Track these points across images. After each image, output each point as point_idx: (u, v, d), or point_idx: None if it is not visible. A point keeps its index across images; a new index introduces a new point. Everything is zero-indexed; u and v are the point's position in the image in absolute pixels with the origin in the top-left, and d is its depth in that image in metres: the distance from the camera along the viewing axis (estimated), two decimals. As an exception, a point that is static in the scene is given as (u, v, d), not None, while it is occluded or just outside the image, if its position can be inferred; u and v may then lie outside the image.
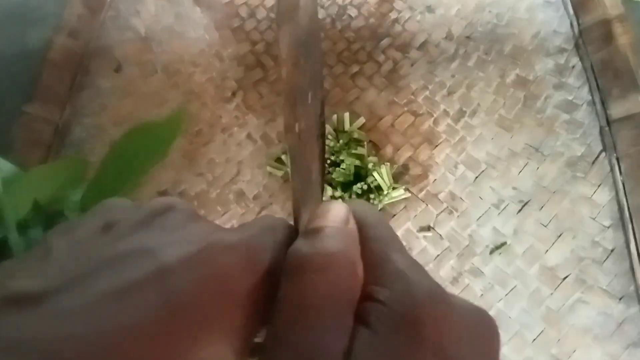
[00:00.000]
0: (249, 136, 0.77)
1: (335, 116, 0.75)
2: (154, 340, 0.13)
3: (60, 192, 0.41)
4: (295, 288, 0.14)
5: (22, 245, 0.37)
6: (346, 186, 0.68)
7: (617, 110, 0.65)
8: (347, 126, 0.74)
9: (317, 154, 0.39)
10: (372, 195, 0.67)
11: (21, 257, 0.16)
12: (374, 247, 0.16)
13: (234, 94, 0.80)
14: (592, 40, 0.70)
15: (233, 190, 0.73)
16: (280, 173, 0.73)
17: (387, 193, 0.68)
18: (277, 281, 0.16)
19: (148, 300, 0.13)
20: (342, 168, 0.67)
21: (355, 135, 0.72)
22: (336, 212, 0.17)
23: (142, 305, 0.13)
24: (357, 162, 0.68)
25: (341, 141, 0.72)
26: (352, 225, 0.17)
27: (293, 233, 0.19)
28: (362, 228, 0.17)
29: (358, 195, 0.66)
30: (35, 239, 0.39)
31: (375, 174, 0.67)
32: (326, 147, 0.71)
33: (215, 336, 0.14)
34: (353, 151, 0.70)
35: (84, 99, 0.76)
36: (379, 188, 0.67)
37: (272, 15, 0.87)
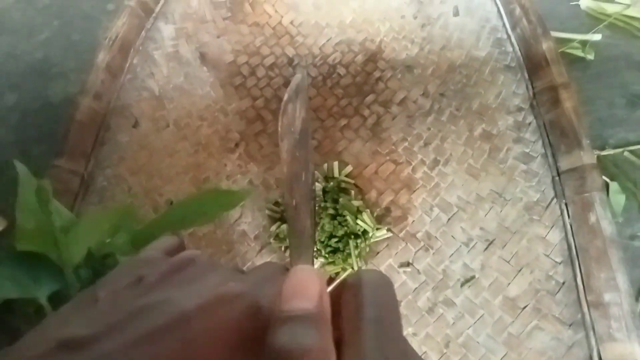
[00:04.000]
0: (250, 182, 0.86)
1: (325, 165, 0.84)
2: None
3: (109, 236, 0.49)
4: None
5: (77, 287, 0.46)
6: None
7: (564, 163, 0.75)
8: (336, 173, 0.84)
9: (310, 215, 0.51)
10: (359, 240, 0.76)
11: (72, 304, 0.18)
12: (370, 332, 0.17)
13: (237, 144, 0.90)
14: (543, 102, 0.80)
15: (236, 231, 0.82)
16: (277, 215, 0.82)
17: (372, 234, 0.78)
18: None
19: (171, 342, 0.15)
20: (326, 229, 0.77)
21: (343, 185, 0.82)
22: (311, 289, 0.18)
23: (167, 346, 0.15)
24: (338, 226, 0.77)
25: (331, 183, 0.81)
26: (325, 302, 0.18)
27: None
28: (361, 307, 0.18)
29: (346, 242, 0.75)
30: (87, 279, 0.47)
31: (359, 221, 0.77)
32: (318, 191, 0.81)
33: None
34: (331, 210, 0.78)
35: (105, 152, 0.86)
36: (365, 232, 0.77)
37: (271, 73, 0.98)
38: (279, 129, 0.40)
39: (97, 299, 0.17)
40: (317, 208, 0.77)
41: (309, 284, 0.18)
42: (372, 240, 0.77)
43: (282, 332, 0.16)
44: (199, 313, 0.16)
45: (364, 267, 0.77)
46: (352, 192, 0.82)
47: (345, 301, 0.19)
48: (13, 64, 1.10)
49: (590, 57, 0.95)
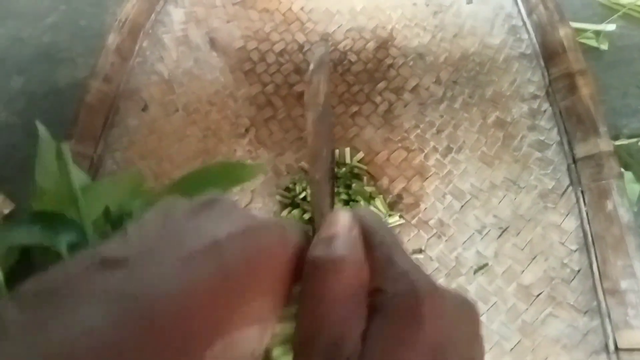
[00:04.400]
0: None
1: (337, 151, 0.84)
2: (213, 297, 0.15)
3: (123, 200, 0.49)
4: (317, 286, 0.17)
5: (97, 239, 0.45)
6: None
7: (580, 150, 0.75)
8: (347, 160, 0.84)
9: (329, 193, 0.51)
10: None
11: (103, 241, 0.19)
12: (380, 252, 0.19)
13: (247, 130, 0.89)
14: (559, 90, 0.79)
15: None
16: (288, 201, 0.81)
17: (385, 221, 0.77)
18: (302, 259, 0.19)
19: (207, 266, 0.15)
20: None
21: (356, 170, 0.82)
22: (343, 221, 0.20)
23: (203, 270, 0.15)
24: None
25: (343, 169, 0.80)
26: (356, 231, 0.20)
27: (309, 234, 0.22)
28: (368, 234, 0.20)
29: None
30: (105, 233, 0.46)
31: (371, 207, 0.76)
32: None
33: (257, 295, 0.17)
34: (344, 196, 0.78)
35: (114, 135, 0.85)
36: None
37: (281, 59, 0.97)
38: (305, 99, 0.40)
39: (125, 233, 0.18)
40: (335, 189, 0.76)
41: (342, 217, 0.20)
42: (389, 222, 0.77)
43: (317, 247, 0.18)
44: (231, 240, 0.17)
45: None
46: (365, 178, 0.81)
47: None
48: (20, 48, 1.09)
49: (604, 47, 0.94)
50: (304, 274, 0.18)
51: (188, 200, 0.21)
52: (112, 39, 0.85)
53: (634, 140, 0.84)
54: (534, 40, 0.86)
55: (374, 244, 0.19)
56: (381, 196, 0.79)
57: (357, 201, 0.75)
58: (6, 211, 0.83)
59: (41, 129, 0.46)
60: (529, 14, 0.88)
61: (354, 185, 0.78)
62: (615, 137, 0.83)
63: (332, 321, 0.16)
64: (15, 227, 0.43)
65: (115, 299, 0.14)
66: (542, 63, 0.84)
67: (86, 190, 0.45)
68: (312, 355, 0.16)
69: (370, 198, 0.78)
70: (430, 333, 0.16)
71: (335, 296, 0.17)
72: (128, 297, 0.14)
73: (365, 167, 0.83)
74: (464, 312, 0.19)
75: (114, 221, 0.47)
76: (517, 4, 0.91)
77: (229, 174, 0.52)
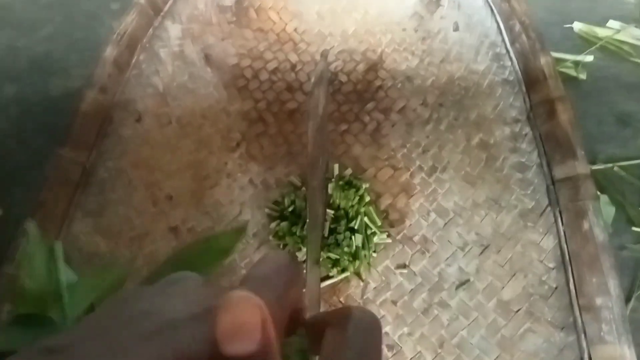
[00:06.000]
0: (250, 181, 0.87)
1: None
2: None
3: (107, 295, 0.49)
4: None
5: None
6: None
7: (559, 172, 0.78)
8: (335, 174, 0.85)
9: (323, 201, 0.55)
10: (364, 251, 0.77)
11: None
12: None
13: (238, 144, 0.91)
14: (539, 114, 0.83)
15: (235, 228, 0.83)
16: (277, 214, 0.83)
17: (376, 233, 0.78)
18: (274, 319, 0.17)
19: (159, 347, 0.15)
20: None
21: (352, 180, 0.83)
22: (251, 324, 0.16)
23: (154, 351, 0.15)
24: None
25: (340, 182, 0.82)
26: (270, 332, 0.16)
27: (296, 266, 0.22)
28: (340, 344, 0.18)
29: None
30: None
31: (366, 219, 0.78)
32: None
33: None
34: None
35: (107, 144, 0.86)
36: (372, 233, 0.78)
37: (274, 77, 0.99)
38: (307, 109, 0.43)
39: (81, 324, 0.17)
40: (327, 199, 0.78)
41: (248, 318, 0.16)
42: (376, 240, 0.78)
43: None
44: (188, 321, 0.16)
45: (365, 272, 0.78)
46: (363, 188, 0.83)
47: (326, 339, 0.19)
48: (14, 57, 1.11)
49: (583, 76, 0.99)
50: None
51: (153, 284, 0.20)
52: (110, 51, 0.87)
53: (610, 165, 0.88)
54: (517, 67, 0.90)
55: None
56: (374, 204, 0.81)
57: (352, 206, 0.77)
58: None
59: (32, 227, 0.46)
60: (512, 42, 0.92)
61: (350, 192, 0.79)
62: (592, 162, 0.87)
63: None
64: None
65: None
66: (524, 89, 0.87)
67: (72, 287, 0.46)
68: None
69: (367, 204, 0.80)
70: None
71: None
72: None
73: (361, 177, 0.85)
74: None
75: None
76: (500, 33, 0.95)
77: (209, 251, 0.51)
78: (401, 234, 0.81)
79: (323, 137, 0.44)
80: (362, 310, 0.20)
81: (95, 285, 0.48)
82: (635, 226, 0.82)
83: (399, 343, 0.73)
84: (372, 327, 0.19)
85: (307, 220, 0.67)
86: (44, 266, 0.45)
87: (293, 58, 1.02)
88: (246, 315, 0.15)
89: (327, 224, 0.76)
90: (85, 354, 0.14)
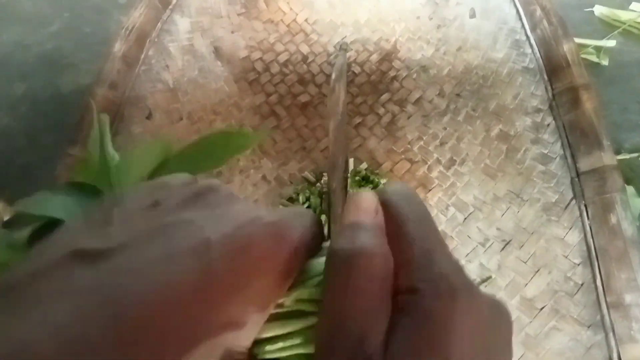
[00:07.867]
0: (263, 178, 0.85)
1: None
2: (191, 300, 0.14)
3: (153, 169, 0.48)
4: (340, 281, 0.16)
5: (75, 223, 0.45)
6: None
7: (584, 164, 0.75)
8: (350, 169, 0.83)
9: (342, 199, 0.52)
10: None
11: (85, 219, 0.18)
12: (420, 248, 0.17)
13: (250, 139, 0.89)
14: (562, 104, 0.80)
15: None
16: (291, 211, 0.81)
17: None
18: (301, 258, 0.18)
19: (191, 266, 0.15)
20: None
21: (370, 177, 0.81)
22: (366, 205, 0.19)
23: (186, 270, 0.15)
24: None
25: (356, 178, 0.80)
26: (380, 216, 0.19)
27: (319, 223, 0.21)
28: (401, 221, 0.18)
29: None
30: None
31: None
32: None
33: (240, 300, 0.16)
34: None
35: (118, 142, 0.85)
36: None
37: (285, 70, 0.97)
38: (327, 107, 0.40)
39: (109, 215, 0.17)
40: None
41: (365, 201, 0.19)
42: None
43: (341, 237, 0.17)
44: (222, 239, 0.16)
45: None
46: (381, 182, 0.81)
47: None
48: (23, 54, 1.10)
49: (605, 62, 0.95)
50: (326, 267, 0.17)
51: (184, 182, 0.20)
52: (119, 47, 0.85)
53: (635, 155, 0.85)
54: (538, 54, 0.87)
55: (409, 235, 0.17)
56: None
57: None
58: (6, 217, 0.83)
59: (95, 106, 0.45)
60: (533, 28, 0.89)
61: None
62: (617, 152, 0.84)
63: (356, 317, 0.15)
64: (49, 197, 0.42)
65: (86, 294, 0.14)
66: (546, 77, 0.84)
67: (119, 162, 0.46)
68: (335, 351, 0.15)
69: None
70: (462, 343, 0.15)
71: (360, 291, 0.16)
72: (100, 292, 0.14)
73: (377, 172, 0.83)
74: (499, 320, 0.18)
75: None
76: (520, 18, 0.92)
77: (227, 144, 0.51)
78: (419, 230, 0.79)
79: (343, 135, 0.42)
80: (393, 184, 0.22)
81: (141, 160, 0.47)
82: (664, 218, 0.79)
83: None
84: (410, 193, 0.20)
85: (329, 223, 0.66)
86: (97, 142, 0.45)
87: (305, 49, 0.99)
88: (366, 199, 0.19)
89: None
90: (122, 264, 0.14)
